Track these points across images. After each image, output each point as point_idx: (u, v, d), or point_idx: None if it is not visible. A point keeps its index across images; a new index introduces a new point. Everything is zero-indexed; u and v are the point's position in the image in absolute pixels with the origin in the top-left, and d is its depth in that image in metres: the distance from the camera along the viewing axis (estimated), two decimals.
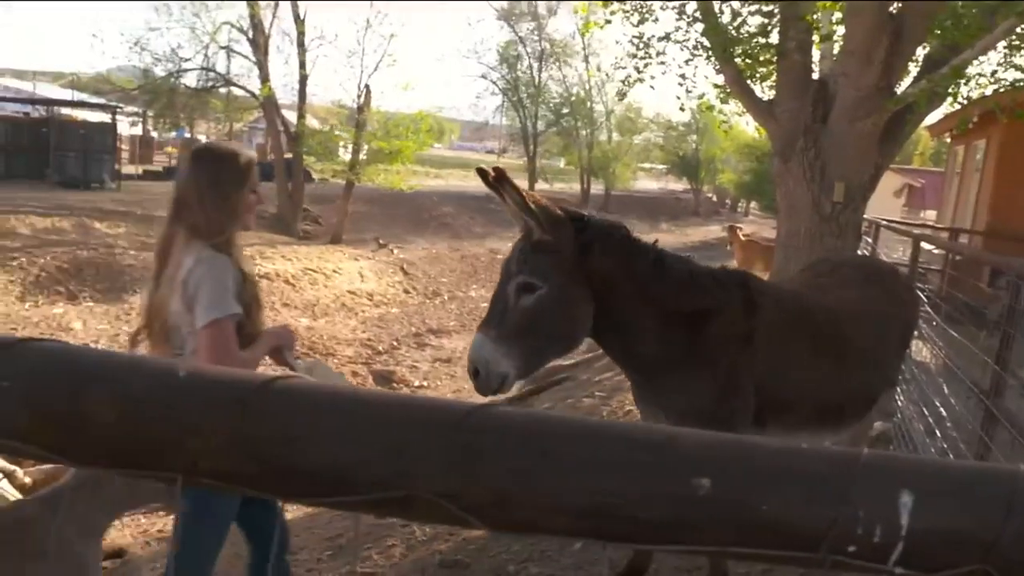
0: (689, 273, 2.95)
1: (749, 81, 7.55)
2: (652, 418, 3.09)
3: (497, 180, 2.56)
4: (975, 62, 6.47)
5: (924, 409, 5.43)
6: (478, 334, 2.62)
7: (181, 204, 2.83)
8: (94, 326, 12.80)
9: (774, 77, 7.30)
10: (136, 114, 33.01)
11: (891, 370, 3.79)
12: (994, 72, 7.52)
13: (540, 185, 40.70)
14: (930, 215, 29.71)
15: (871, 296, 3.66)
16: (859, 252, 7.67)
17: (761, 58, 7.57)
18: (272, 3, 24.45)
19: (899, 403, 6.18)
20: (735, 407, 2.93)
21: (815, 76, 6.90)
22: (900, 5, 6.23)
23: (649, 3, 8.03)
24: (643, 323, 2.81)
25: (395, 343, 14.63)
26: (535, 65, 41.62)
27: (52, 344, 0.70)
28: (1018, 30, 6.23)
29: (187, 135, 40.72)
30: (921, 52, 6.89)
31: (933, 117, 13.03)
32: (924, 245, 6.76)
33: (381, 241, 23.09)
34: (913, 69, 6.93)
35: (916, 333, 6.45)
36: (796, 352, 3.11)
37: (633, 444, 0.63)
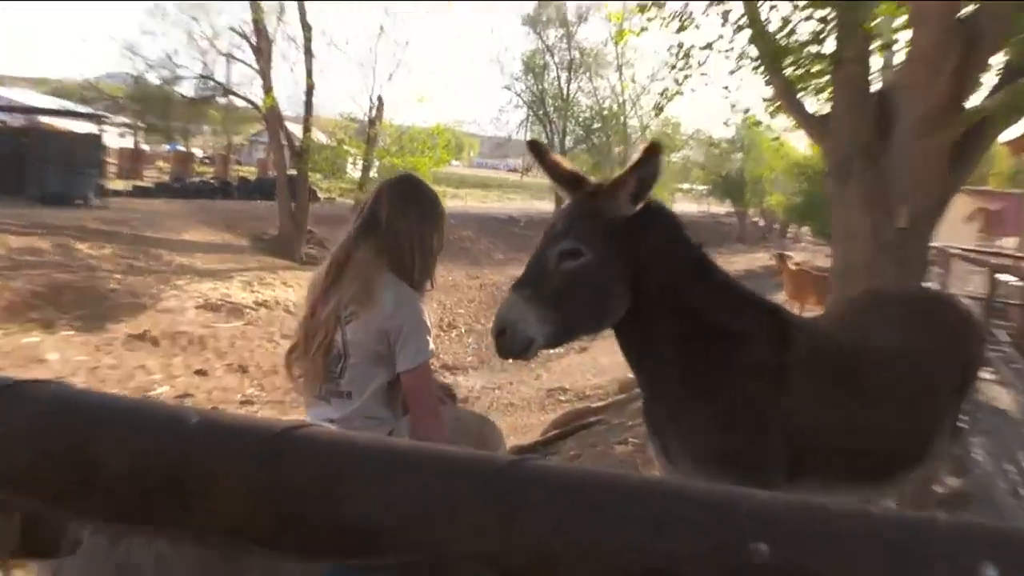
0: (727, 285, 2.99)
1: (801, 93, 7.55)
2: (663, 451, 3.08)
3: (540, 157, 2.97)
4: None
5: (1007, 465, 5.33)
6: (512, 293, 2.71)
7: (374, 223, 3.03)
8: (72, 357, 12.90)
9: (829, 89, 7.30)
10: (126, 125, 33.48)
11: (946, 417, 3.72)
12: None
13: None
14: (1009, 243, 29.40)
15: (918, 331, 3.60)
16: (926, 284, 7.61)
17: (814, 68, 7.58)
18: (278, 6, 24.82)
19: (977, 457, 6.08)
20: (763, 451, 2.90)
21: (875, 87, 6.88)
22: (974, 7, 6.20)
23: (690, 9, 8.08)
24: (669, 323, 2.84)
25: None
26: (563, 76, 41.93)
27: (54, 386, 0.71)
28: None
29: (181, 148, 41.26)
30: (1000, 60, 6.84)
31: (1013, 132, 12.95)
32: (1002, 276, 6.69)
33: None
34: (990, 79, 6.88)
35: (996, 377, 6.36)
36: (829, 395, 3.08)
37: (689, 502, 0.63)
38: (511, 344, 2.69)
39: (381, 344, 2.96)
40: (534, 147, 3.05)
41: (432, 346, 2.99)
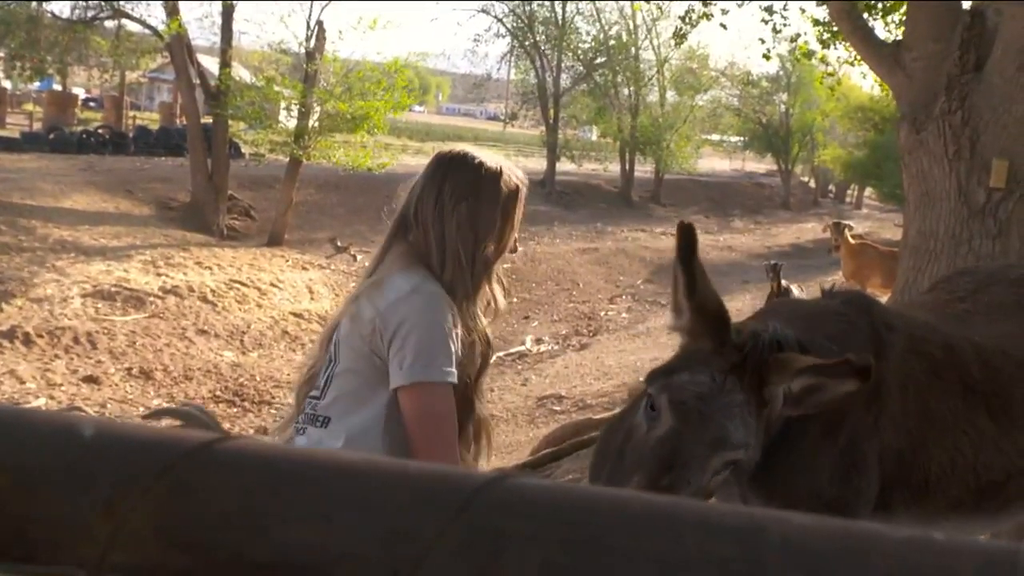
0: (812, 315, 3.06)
1: (866, 15, 7.56)
2: (735, 500, 3.10)
3: None
4: None
5: None
6: None
7: (408, 219, 2.90)
8: None
9: (903, 9, 7.30)
10: None
11: None
12: None
13: (564, 165, 40.73)
14: None
15: None
16: None
17: None
18: None
19: None
20: (858, 489, 2.95)
21: (965, 5, 6.85)
22: None
23: None
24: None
25: None
26: None
27: None
28: None
29: (57, 87, 40.75)
30: None
31: None
32: None
33: (340, 243, 23.17)
34: None
35: None
36: (939, 409, 3.12)
37: (712, 533, 0.64)
38: None
39: (373, 345, 2.72)
40: (685, 235, 2.51)
41: (451, 376, 2.69)
